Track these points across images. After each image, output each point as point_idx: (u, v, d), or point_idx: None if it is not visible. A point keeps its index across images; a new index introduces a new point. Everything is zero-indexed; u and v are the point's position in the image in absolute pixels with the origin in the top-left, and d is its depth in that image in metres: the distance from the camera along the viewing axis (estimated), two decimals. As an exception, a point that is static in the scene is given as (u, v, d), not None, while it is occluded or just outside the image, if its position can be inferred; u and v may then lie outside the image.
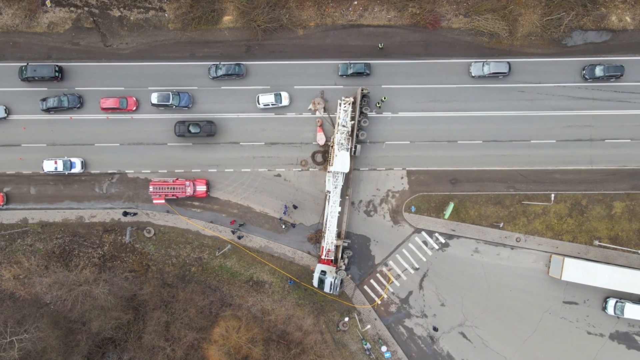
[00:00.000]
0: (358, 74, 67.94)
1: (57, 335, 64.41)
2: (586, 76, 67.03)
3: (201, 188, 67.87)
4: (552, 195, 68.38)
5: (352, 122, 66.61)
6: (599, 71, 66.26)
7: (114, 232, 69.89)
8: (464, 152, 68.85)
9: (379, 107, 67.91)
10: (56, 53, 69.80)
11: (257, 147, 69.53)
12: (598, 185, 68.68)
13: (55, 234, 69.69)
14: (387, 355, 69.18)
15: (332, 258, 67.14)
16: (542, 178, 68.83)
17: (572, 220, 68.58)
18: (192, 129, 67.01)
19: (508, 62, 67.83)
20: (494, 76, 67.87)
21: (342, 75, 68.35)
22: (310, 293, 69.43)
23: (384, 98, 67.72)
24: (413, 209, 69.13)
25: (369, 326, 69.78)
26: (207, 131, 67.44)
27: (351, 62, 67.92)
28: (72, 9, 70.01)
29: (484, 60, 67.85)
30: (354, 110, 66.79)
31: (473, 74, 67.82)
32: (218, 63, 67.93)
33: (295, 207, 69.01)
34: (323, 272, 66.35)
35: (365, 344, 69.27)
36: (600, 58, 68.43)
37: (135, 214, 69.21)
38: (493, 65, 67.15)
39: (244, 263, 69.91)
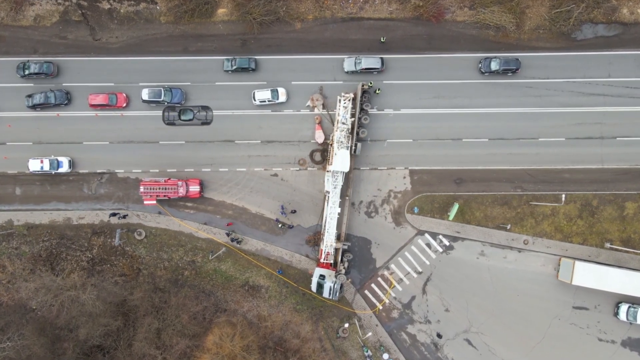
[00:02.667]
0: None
1: (42, 343, 62.59)
2: (482, 70, 65.59)
3: (194, 188, 66.13)
4: (563, 195, 66.58)
5: (352, 119, 65.16)
6: (494, 65, 64.91)
7: (103, 235, 68.25)
8: (469, 151, 67.32)
9: (378, 93, 66.15)
10: (43, 47, 68.26)
11: (253, 145, 67.79)
12: (609, 185, 66.97)
13: (41, 237, 68.00)
14: (389, 362, 67.50)
15: (332, 261, 65.81)
16: (550, 178, 67.18)
17: (582, 222, 66.84)
18: (184, 116, 63.05)
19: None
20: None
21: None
22: (309, 298, 67.68)
23: (378, 90, 66.10)
24: (416, 210, 67.33)
25: (370, 333, 68.08)
26: (202, 118, 63.39)
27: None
28: (59, 1, 68.23)
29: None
30: (354, 107, 65.29)
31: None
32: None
33: (293, 211, 67.27)
34: (322, 276, 64.88)
35: (366, 351, 67.51)
36: (607, 53, 66.78)
37: (125, 216, 66.54)
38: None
39: (239, 267, 68.32)
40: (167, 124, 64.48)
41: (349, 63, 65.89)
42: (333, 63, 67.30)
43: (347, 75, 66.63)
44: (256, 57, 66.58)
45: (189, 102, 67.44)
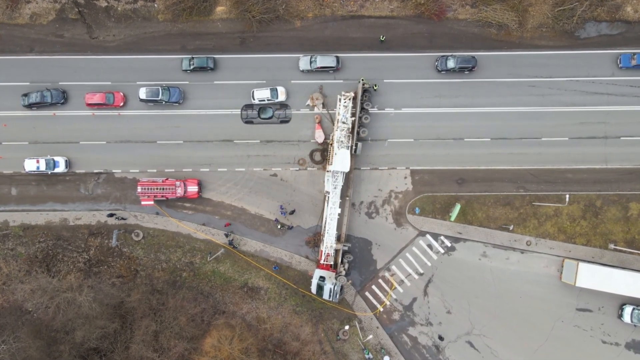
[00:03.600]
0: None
1: (38, 346, 61.82)
2: (438, 68, 65.07)
3: (192, 188, 65.40)
4: (567, 196, 65.77)
5: (353, 118, 64.50)
6: (451, 63, 64.36)
7: (100, 236, 67.48)
8: (470, 151, 66.64)
9: (375, 89, 65.53)
10: (39, 46, 67.55)
11: (252, 145, 67.06)
12: (613, 185, 66.24)
13: (37, 237, 67.23)
14: (390, 365, 66.92)
15: (332, 263, 65.15)
16: (553, 178, 66.48)
17: (585, 223, 66.15)
18: (263, 114, 62.04)
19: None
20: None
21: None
22: (309, 300, 66.92)
23: (375, 86, 65.47)
24: (417, 210, 66.62)
25: (370, 336, 67.35)
26: (281, 117, 62.59)
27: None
28: (56, -1, 67.29)
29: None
30: (354, 106, 64.64)
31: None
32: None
33: (292, 212, 66.59)
34: (322, 278, 64.19)
35: (367, 354, 66.80)
36: (610, 51, 66.08)
37: (124, 218, 65.84)
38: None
39: (238, 268, 67.58)
40: (245, 122, 63.89)
41: (304, 62, 65.30)
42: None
43: (304, 74, 66.11)
44: (215, 56, 65.86)
45: (187, 101, 66.80)
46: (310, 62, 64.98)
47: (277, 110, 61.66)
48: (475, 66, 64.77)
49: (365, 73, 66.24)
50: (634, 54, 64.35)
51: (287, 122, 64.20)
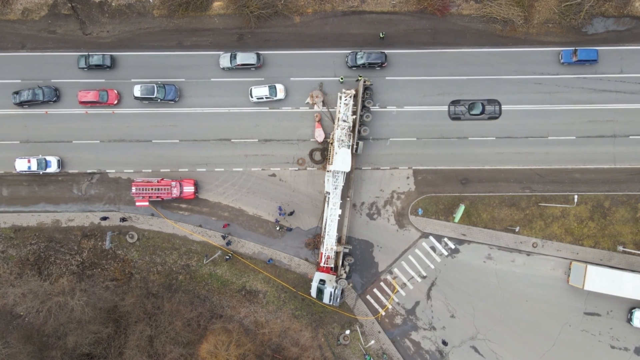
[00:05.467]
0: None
1: (29, 351, 60.79)
2: (348, 64, 64.29)
3: (189, 189, 64.36)
4: (575, 196, 64.56)
5: (354, 116, 63.49)
6: (360, 59, 63.48)
7: (93, 237, 66.25)
8: (475, 150, 65.57)
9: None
10: (31, 42, 66.39)
11: (250, 144, 65.96)
12: (622, 186, 65.21)
13: (29, 240, 66.05)
14: (392, 371, 66.01)
15: (332, 265, 64.29)
16: (560, 178, 65.42)
17: (593, 224, 65.06)
18: (473, 110, 60.96)
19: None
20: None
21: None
22: (308, 304, 65.88)
23: (360, 77, 63.97)
24: (420, 211, 65.61)
25: (372, 341, 66.22)
26: (491, 112, 60.93)
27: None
28: (48, -6, 66.13)
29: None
30: (355, 104, 63.68)
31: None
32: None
33: (291, 213, 65.55)
34: (322, 281, 63.32)
35: (369, 359, 65.10)
36: (618, 48, 65.01)
37: (125, 219, 64.89)
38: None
39: (236, 271, 66.43)
40: (453, 118, 62.78)
41: (224, 59, 64.21)
42: (333, 58, 65.60)
43: (225, 72, 65.03)
44: (112, 53, 64.70)
45: (183, 99, 65.57)
46: (231, 60, 63.90)
47: (488, 105, 60.26)
48: (385, 62, 63.72)
49: (366, 70, 65.11)
50: (575, 49, 63.41)
51: (496, 118, 62.25)
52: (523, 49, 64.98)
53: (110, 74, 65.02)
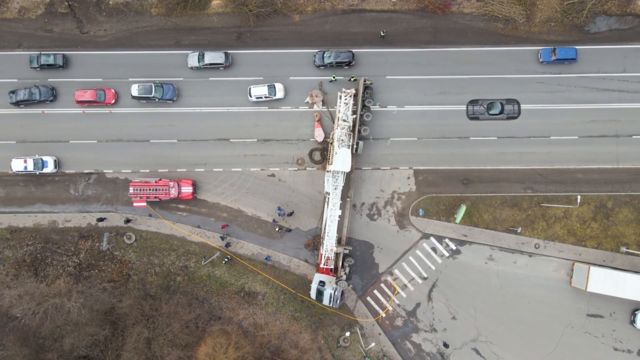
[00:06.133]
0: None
1: (25, 354, 60.18)
2: (316, 63, 63.96)
3: (187, 189, 63.77)
4: (578, 197, 63.93)
5: (354, 116, 62.94)
6: (327, 58, 63.20)
7: (90, 239, 65.62)
8: (476, 150, 64.97)
9: (353, 80, 64.09)
10: (27, 41, 65.85)
11: (249, 144, 65.41)
12: (625, 186, 64.56)
13: (25, 241, 65.38)
14: (393, 373, 65.24)
15: (332, 267, 63.66)
16: (563, 178, 64.77)
17: (596, 225, 64.41)
18: (492, 110, 60.20)
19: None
20: None
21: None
22: (308, 305, 65.21)
23: (353, 78, 63.92)
24: (421, 212, 65.04)
25: (373, 344, 65.54)
26: (510, 112, 60.50)
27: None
28: (45, -8, 65.71)
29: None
30: (355, 104, 63.13)
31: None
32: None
33: (291, 213, 64.96)
34: (322, 283, 62.65)
35: (369, 362, 65.32)
36: (621, 46, 64.30)
37: (130, 220, 64.25)
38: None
39: (235, 272, 65.77)
40: (471, 118, 62.24)
41: (192, 59, 63.66)
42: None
43: (192, 72, 64.56)
44: (65, 52, 64.11)
45: (181, 98, 64.97)
46: (199, 59, 63.34)
47: (507, 105, 59.75)
48: (353, 61, 63.26)
49: (367, 69, 64.73)
50: (554, 48, 62.87)
51: (515, 118, 61.62)
52: (525, 47, 64.35)
53: (64, 73, 64.29)
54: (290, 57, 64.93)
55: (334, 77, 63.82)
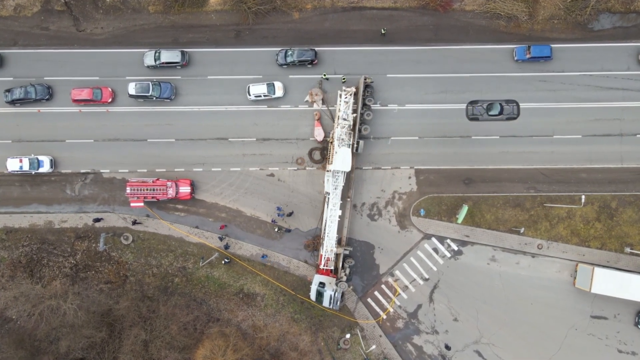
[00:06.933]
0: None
1: (20, 356, 59.81)
2: (279, 62, 63.30)
3: (185, 189, 63.09)
4: (582, 196, 63.18)
5: (354, 115, 62.36)
6: (289, 57, 62.74)
7: (87, 239, 65.00)
8: (478, 149, 64.30)
9: (344, 81, 63.31)
10: (23, 39, 65.27)
11: (247, 143, 64.78)
12: (629, 186, 63.81)
13: (21, 241, 64.79)
14: (394, 376, 64.61)
15: (332, 268, 63.13)
16: (566, 178, 64.09)
17: (600, 225, 63.71)
18: (491, 111, 60.18)
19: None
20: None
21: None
22: (308, 307, 64.62)
23: (344, 78, 63.30)
24: (422, 212, 64.42)
25: (374, 346, 64.87)
26: (509, 113, 60.39)
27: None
28: (41, -11, 65.10)
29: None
30: (356, 102, 62.51)
31: None
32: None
33: (290, 214, 64.32)
34: (322, 284, 62.22)
35: (369, 364, 64.64)
36: (625, 44, 63.44)
37: (139, 222, 63.61)
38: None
39: (233, 273, 65.13)
40: (471, 119, 61.66)
41: (148, 57, 63.00)
42: (333, 55, 64.32)
43: (149, 70, 63.82)
44: (2, 51, 63.61)
45: (179, 97, 64.28)
46: (155, 58, 62.66)
47: (506, 106, 59.76)
48: (316, 60, 62.72)
49: (367, 68, 64.05)
50: (529, 46, 62.27)
51: (514, 119, 61.23)
52: (527, 45, 63.27)
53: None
54: (289, 55, 64.43)
55: (324, 76, 63.09)
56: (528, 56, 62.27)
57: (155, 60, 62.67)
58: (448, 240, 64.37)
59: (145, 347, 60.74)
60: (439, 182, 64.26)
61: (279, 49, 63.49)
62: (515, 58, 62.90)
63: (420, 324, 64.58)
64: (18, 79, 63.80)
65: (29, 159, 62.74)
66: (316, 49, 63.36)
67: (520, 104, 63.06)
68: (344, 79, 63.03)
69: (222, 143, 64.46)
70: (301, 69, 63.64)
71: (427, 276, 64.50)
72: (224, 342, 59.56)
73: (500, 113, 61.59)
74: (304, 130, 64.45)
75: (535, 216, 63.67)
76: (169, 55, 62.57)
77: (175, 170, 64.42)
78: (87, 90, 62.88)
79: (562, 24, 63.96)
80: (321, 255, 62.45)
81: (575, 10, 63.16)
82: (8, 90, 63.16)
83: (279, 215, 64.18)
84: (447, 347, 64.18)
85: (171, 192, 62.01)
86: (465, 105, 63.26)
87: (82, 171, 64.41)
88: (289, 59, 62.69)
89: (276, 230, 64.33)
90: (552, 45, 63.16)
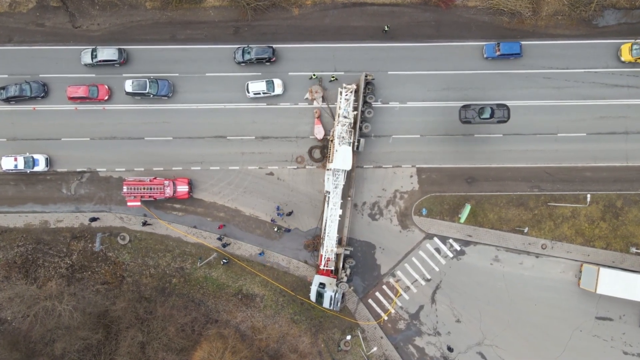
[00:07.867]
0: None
1: (15, 358, 59.12)
2: (236, 60, 62.65)
3: (182, 188, 62.41)
4: (588, 196, 62.63)
5: (355, 112, 61.64)
6: (247, 54, 62.10)
7: (83, 239, 64.17)
8: (481, 147, 63.66)
9: (332, 80, 62.93)
10: (18, 35, 64.30)
11: (246, 141, 64.10)
12: (635, 185, 63.14)
13: (16, 241, 63.89)
14: (395, 378, 64.02)
15: (332, 268, 62.54)
16: (571, 176, 63.42)
17: (605, 225, 63.02)
18: (482, 115, 60.24)
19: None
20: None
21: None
22: (308, 308, 63.94)
23: (333, 77, 62.92)
24: (424, 211, 63.80)
25: (375, 348, 64.17)
26: (500, 117, 60.41)
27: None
28: (36, -15, 64.47)
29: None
30: (356, 100, 61.76)
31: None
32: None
33: (290, 213, 63.74)
34: (322, 285, 61.64)
35: (370, 366, 64.07)
36: (631, 41, 62.52)
37: (149, 224, 63.01)
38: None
39: (232, 274, 64.40)
40: (463, 122, 61.54)
41: (85, 56, 62.17)
42: (333, 52, 63.59)
43: (86, 68, 62.94)
44: (274, 45, 63.04)
45: (177, 94, 63.61)
46: (92, 56, 61.83)
47: (497, 110, 60.10)
48: (274, 57, 61.99)
49: (368, 64, 63.31)
50: (498, 43, 61.66)
51: (504, 122, 60.96)
52: (531, 42, 62.91)
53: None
54: (289, 52, 63.39)
55: (314, 75, 62.44)
56: (497, 53, 61.60)
57: (92, 59, 61.90)
58: (450, 240, 63.69)
59: (142, 349, 60.02)
60: (441, 180, 63.57)
61: (237, 46, 62.68)
62: (485, 55, 62.22)
63: (422, 326, 63.88)
64: (13, 76, 62.94)
65: (24, 157, 61.87)
66: (274, 46, 62.64)
67: (519, 104, 62.35)
68: (332, 77, 62.21)
69: (221, 141, 63.70)
70: (259, 66, 62.86)
71: (429, 276, 63.82)
72: (222, 343, 58.90)
73: (492, 116, 61.03)
74: (304, 128, 63.73)
75: (539, 215, 62.95)
76: (106, 53, 61.72)
77: (173, 169, 63.70)
78: (84, 87, 62.04)
79: (566, 20, 63.26)
80: (321, 256, 61.78)
81: (580, 6, 62.49)
82: (3, 88, 62.27)
83: (278, 215, 63.42)
84: (450, 349, 63.48)
85: (169, 191, 61.24)
86: (459, 109, 62.37)
87: (78, 170, 63.61)
88: (246, 57, 61.92)
89: (275, 230, 63.60)
90: (554, 42, 62.58)
